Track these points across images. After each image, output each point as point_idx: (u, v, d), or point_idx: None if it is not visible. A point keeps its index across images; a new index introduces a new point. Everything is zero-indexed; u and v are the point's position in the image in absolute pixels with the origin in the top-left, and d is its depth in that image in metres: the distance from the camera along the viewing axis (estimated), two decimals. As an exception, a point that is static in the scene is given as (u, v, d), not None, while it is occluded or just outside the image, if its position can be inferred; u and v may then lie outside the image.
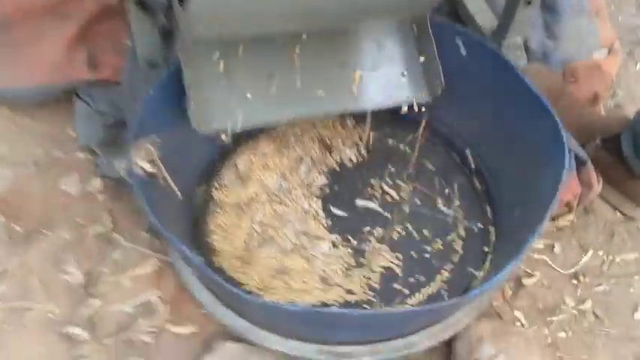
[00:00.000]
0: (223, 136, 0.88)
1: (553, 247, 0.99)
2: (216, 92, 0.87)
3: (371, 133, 1.04)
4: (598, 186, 0.97)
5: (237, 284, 0.86)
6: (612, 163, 0.99)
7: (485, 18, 1.07)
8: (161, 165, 0.79)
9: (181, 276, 0.88)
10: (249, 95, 0.88)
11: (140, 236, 0.95)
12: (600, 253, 0.99)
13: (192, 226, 0.94)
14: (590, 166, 0.95)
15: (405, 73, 0.96)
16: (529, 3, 0.96)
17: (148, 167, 0.78)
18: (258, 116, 0.89)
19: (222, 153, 1.00)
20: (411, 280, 0.88)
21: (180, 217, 0.91)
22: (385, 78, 0.95)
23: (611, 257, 0.98)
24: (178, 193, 0.82)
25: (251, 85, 0.88)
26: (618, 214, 1.03)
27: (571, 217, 1.00)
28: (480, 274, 0.89)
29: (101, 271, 0.90)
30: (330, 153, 1.02)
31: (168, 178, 0.80)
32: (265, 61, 0.89)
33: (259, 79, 0.89)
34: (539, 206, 0.78)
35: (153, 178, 0.79)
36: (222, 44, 0.86)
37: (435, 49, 0.93)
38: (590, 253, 0.99)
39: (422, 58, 0.95)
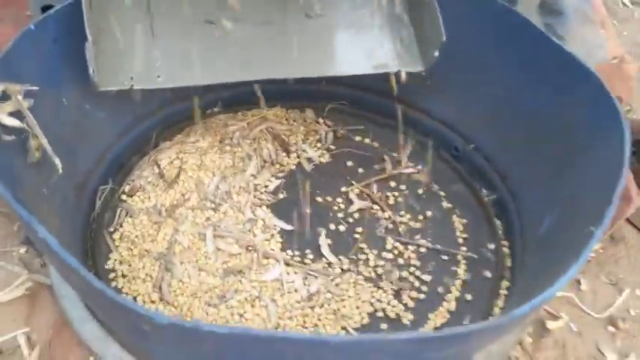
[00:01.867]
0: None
1: (579, 282, 0.75)
2: (130, 33, 0.62)
3: (337, 128, 0.80)
4: (638, 198, 0.74)
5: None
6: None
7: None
8: (33, 120, 0.52)
9: (64, 306, 0.59)
10: (177, 43, 0.63)
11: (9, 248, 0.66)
12: (638, 292, 0.75)
13: (87, 238, 0.65)
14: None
15: (389, 28, 0.72)
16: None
17: (11, 122, 0.51)
18: (189, 73, 0.64)
19: (137, 144, 0.74)
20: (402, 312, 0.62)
21: (70, 220, 0.63)
22: (362, 35, 0.71)
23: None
24: (58, 163, 0.54)
25: (182, 30, 0.63)
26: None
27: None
28: (494, 309, 0.64)
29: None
30: (289, 153, 0.77)
31: (45, 141, 0.53)
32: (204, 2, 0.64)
33: (194, 24, 0.64)
34: (590, 204, 0.55)
35: (16, 135, 0.52)
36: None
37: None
38: (627, 292, 0.75)
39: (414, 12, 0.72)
